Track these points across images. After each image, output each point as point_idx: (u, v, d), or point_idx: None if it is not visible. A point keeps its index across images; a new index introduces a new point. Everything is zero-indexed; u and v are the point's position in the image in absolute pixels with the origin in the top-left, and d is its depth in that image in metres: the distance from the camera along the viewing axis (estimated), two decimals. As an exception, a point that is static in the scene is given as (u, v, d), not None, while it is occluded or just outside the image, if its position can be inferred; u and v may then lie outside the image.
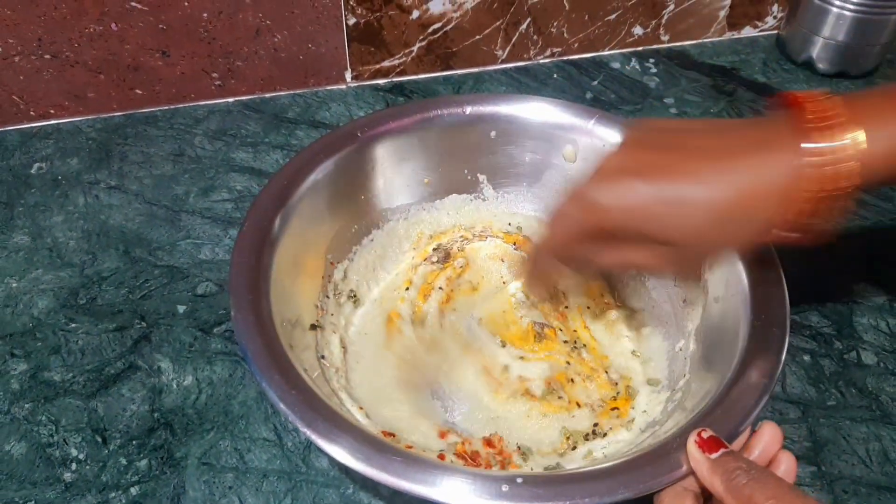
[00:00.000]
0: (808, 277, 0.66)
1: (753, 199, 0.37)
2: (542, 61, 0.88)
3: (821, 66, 0.89)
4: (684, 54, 0.90)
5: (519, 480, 0.39)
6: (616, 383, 0.55)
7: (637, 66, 0.88)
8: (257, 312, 0.47)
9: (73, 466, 0.51)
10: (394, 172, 0.61)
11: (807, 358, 0.60)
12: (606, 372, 0.55)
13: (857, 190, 0.38)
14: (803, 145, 0.37)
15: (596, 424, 0.52)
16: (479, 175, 0.64)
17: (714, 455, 0.39)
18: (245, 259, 0.50)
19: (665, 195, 0.38)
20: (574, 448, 0.51)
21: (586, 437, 0.51)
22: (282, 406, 0.42)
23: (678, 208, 0.38)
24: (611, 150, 0.43)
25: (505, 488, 0.39)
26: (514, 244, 0.64)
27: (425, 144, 0.61)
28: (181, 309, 0.61)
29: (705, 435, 0.40)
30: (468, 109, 0.61)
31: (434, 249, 0.64)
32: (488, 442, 0.51)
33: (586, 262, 0.46)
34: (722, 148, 0.39)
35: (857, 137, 0.37)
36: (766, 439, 0.42)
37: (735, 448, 0.42)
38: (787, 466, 0.42)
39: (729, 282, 0.51)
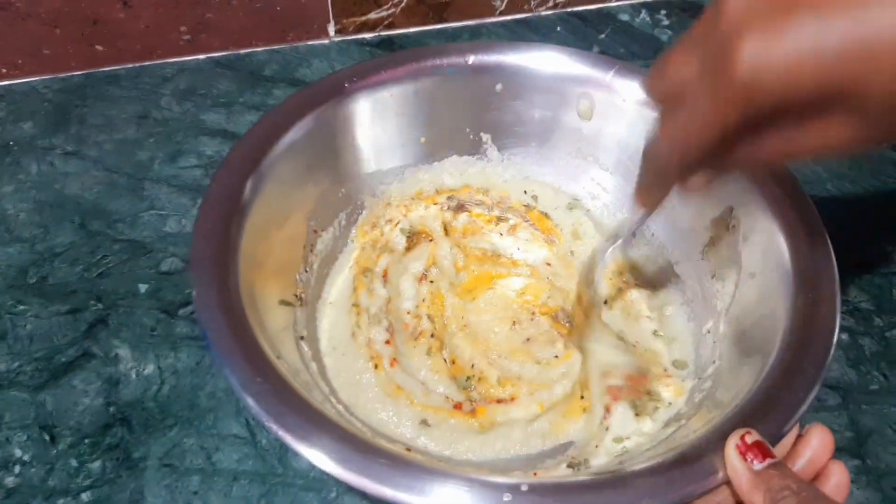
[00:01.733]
0: (841, 247, 0.59)
1: None
2: (543, 13, 0.80)
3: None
4: (699, 5, 0.83)
5: (524, 488, 0.33)
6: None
7: (647, 18, 0.81)
8: (222, 287, 0.40)
9: (17, 469, 0.45)
10: (385, 129, 0.54)
11: (845, 337, 0.54)
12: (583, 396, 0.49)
13: None
14: None
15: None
16: (482, 134, 0.56)
17: (759, 466, 0.32)
18: (210, 227, 0.43)
19: (856, 27, 0.25)
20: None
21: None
22: (246, 397, 0.36)
23: (879, 43, 0.25)
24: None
25: (507, 498, 0.33)
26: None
27: (421, 98, 0.54)
28: (143, 288, 0.54)
29: (750, 440, 0.33)
30: (471, 59, 0.53)
31: (448, 198, 0.58)
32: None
33: (738, 162, 0.32)
34: None
35: None
36: (816, 446, 0.36)
37: (779, 454, 0.36)
38: (838, 480, 0.35)
39: (767, 254, 0.44)
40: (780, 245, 0.43)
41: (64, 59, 0.71)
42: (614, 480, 0.34)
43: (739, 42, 0.26)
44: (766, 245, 0.44)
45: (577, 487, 0.34)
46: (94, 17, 0.69)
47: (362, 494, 0.44)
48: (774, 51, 0.26)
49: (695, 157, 0.32)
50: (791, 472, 0.33)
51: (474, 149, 0.57)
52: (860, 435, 0.49)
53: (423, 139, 0.56)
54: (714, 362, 0.46)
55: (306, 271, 0.51)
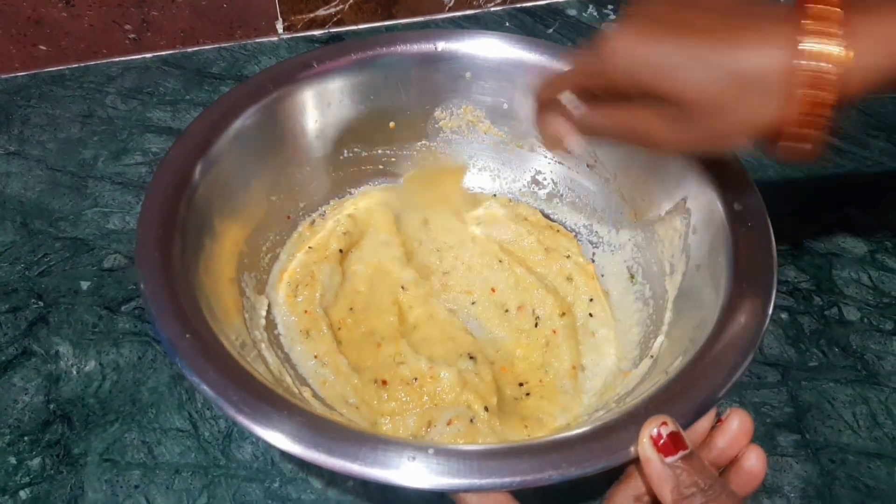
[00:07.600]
0: (782, 229, 0.60)
1: (753, 75, 0.34)
2: (492, 9, 0.81)
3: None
4: None
5: (430, 451, 0.33)
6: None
7: (595, 13, 0.82)
8: (166, 256, 0.39)
9: (-47, 470, 0.44)
10: (352, 113, 0.54)
11: (784, 316, 0.55)
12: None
13: (839, 102, 0.33)
14: (798, 45, 0.33)
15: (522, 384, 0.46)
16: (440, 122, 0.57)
17: (670, 459, 0.33)
18: (158, 203, 0.42)
19: (683, 49, 0.35)
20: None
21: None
22: (174, 354, 0.35)
23: (691, 62, 0.34)
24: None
25: (412, 458, 0.33)
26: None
27: (390, 84, 0.54)
28: (85, 285, 0.53)
29: (665, 431, 0.33)
30: (440, 46, 0.53)
31: None
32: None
33: (589, 122, 0.42)
34: (731, 18, 0.35)
35: (839, 47, 0.32)
36: (734, 430, 0.36)
37: (698, 434, 0.37)
38: (753, 465, 0.36)
39: (713, 246, 0.44)
40: (726, 237, 0.43)
41: (6, 60, 0.70)
42: (522, 449, 0.34)
43: (618, 33, 0.36)
44: (712, 237, 0.45)
45: (484, 454, 0.34)
46: (35, 17, 0.68)
47: (306, 483, 0.44)
48: (628, 43, 0.36)
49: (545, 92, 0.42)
50: (701, 466, 0.33)
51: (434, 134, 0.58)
52: (799, 410, 0.50)
53: (391, 124, 0.56)
54: (651, 356, 0.46)
55: (259, 255, 0.50)
